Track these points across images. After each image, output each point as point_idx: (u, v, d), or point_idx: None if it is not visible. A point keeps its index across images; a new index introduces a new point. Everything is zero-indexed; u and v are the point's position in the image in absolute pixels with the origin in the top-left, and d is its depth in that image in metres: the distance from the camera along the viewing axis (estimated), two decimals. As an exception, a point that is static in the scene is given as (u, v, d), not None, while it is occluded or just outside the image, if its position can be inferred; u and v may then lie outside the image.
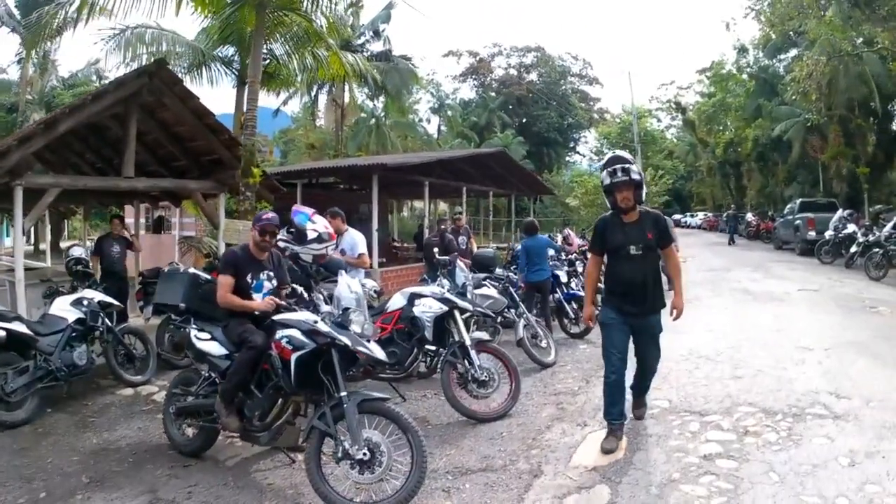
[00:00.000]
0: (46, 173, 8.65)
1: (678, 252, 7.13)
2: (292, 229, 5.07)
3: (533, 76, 54.99)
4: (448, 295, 5.19)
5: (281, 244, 4.37)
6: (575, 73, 55.91)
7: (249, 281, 4.17)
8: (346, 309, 3.83)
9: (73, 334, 5.85)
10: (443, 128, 50.37)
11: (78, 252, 7.31)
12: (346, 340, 3.62)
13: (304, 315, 3.84)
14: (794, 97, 25.12)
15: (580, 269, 10.08)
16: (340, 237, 6.39)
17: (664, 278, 4.86)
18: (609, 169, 4.09)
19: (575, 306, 8.14)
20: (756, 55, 33.37)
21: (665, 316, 4.35)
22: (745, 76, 34.47)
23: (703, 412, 4.78)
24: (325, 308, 3.75)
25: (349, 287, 3.97)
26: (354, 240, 6.48)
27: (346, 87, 28.47)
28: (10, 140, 6.66)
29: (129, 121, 7.42)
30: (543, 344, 6.90)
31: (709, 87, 41.01)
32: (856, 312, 9.00)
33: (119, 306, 6.72)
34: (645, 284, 4.15)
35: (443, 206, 40.78)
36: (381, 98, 31.68)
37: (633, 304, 4.17)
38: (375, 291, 6.27)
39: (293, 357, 3.63)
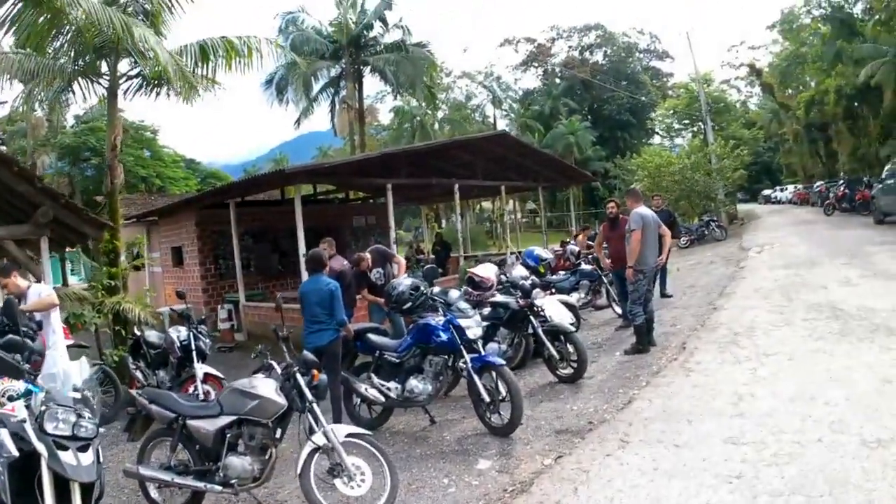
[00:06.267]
0: None
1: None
2: None
3: (597, 57, 53.07)
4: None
5: None
6: (642, 48, 53.73)
7: None
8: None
9: None
10: (502, 121, 47.61)
11: None
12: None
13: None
14: (876, 24, 21.10)
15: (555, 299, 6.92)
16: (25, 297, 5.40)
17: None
18: None
19: (496, 381, 4.84)
20: (826, -6, 28.66)
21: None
22: (820, 26, 29.60)
23: None
24: None
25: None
26: (38, 291, 5.50)
27: (356, 88, 26.09)
28: None
29: None
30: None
31: (781, 42, 36.47)
32: None
33: None
34: None
35: (486, 204, 37.54)
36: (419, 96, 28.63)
37: None
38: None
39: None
